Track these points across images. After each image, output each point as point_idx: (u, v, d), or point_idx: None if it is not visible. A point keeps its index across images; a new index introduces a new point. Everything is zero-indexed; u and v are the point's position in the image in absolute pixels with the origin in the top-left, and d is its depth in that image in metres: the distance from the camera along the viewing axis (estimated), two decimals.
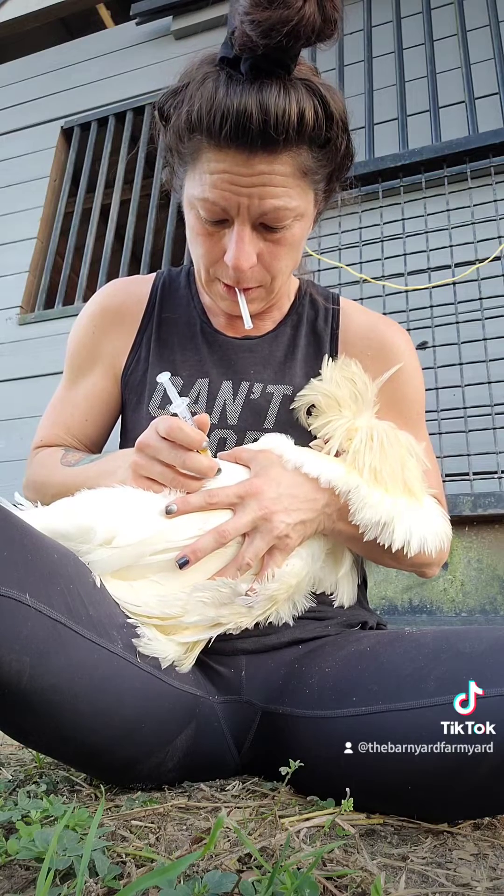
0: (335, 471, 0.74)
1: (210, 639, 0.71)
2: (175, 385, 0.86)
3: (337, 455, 0.78)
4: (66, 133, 3.61)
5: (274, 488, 0.71)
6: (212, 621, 0.69)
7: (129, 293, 0.95)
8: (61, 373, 0.98)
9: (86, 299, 3.25)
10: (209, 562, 0.68)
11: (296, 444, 0.78)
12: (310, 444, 0.80)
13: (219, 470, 0.71)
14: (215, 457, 0.77)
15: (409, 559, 0.77)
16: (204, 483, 0.71)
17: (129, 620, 0.66)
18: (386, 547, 0.73)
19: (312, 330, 0.91)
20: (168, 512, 0.69)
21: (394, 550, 0.73)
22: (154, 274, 0.98)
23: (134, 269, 3.28)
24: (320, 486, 0.73)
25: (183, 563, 0.66)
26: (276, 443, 0.78)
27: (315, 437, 0.81)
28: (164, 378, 0.76)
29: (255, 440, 0.81)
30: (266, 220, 0.74)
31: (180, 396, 0.75)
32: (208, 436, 0.83)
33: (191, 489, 0.70)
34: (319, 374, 0.84)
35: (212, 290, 0.83)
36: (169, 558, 0.67)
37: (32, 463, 0.94)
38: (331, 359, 0.86)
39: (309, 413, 0.84)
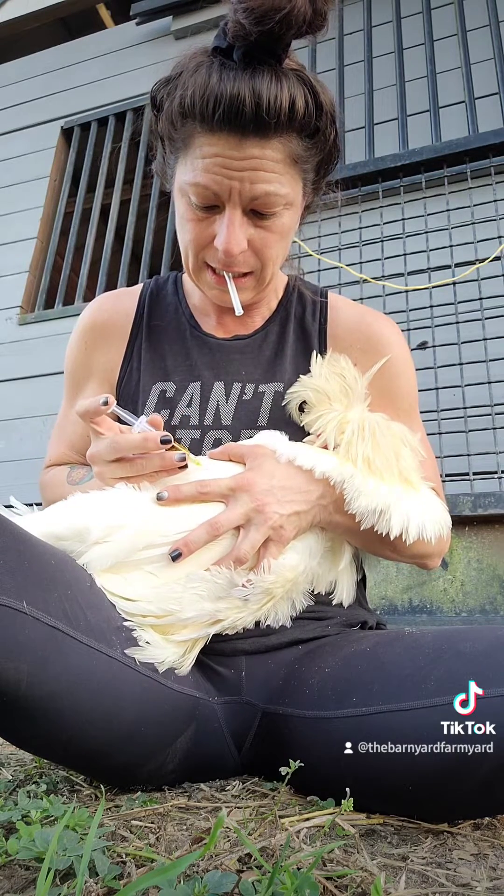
0: (328, 462, 0.74)
1: (208, 639, 0.71)
2: (169, 390, 0.87)
3: (330, 448, 0.78)
4: (66, 133, 3.61)
5: (266, 481, 0.72)
6: (209, 617, 0.68)
7: (115, 306, 0.96)
8: (61, 373, 0.99)
9: (86, 299, 3.25)
10: (203, 554, 0.69)
11: (289, 440, 0.79)
12: (304, 440, 0.80)
13: (184, 463, 0.71)
14: (197, 454, 0.77)
15: (409, 549, 0.77)
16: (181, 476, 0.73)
17: (125, 623, 0.66)
18: (383, 535, 0.73)
19: (301, 325, 0.92)
20: (159, 498, 0.70)
21: (392, 538, 0.72)
22: (142, 284, 0.99)
23: (134, 269, 3.28)
24: (314, 477, 0.73)
25: (176, 556, 0.67)
26: (269, 439, 0.78)
27: (308, 433, 0.82)
28: (114, 406, 0.73)
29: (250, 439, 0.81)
30: (257, 206, 0.74)
31: (147, 413, 0.76)
32: (202, 437, 0.83)
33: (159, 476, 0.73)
34: (309, 370, 0.84)
35: (200, 278, 0.83)
36: (162, 552, 0.68)
37: (43, 484, 0.95)
38: (320, 354, 0.86)
39: (302, 410, 0.84)
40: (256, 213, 0.75)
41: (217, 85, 0.69)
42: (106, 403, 0.70)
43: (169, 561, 0.67)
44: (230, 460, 0.77)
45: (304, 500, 0.73)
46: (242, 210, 0.75)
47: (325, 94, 0.74)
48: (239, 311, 0.81)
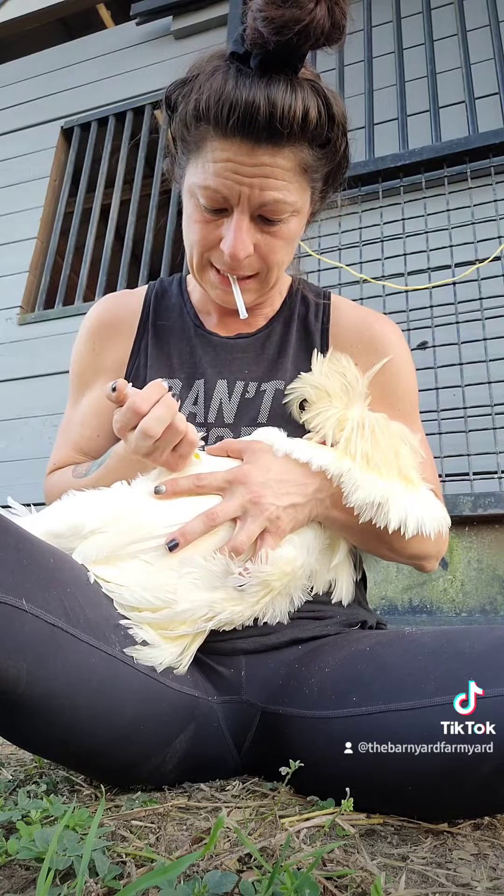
0: (326, 456, 0.75)
1: (205, 635, 0.71)
2: (175, 387, 0.87)
3: (328, 445, 0.79)
4: (66, 133, 3.61)
5: (262, 474, 0.72)
6: (205, 609, 0.68)
7: (122, 305, 0.96)
8: (61, 372, 0.99)
9: (86, 299, 3.25)
10: (199, 545, 0.69)
11: (288, 437, 0.79)
12: (303, 437, 0.81)
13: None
14: (202, 449, 0.77)
15: (407, 548, 0.77)
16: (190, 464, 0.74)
17: (123, 622, 0.66)
18: (381, 528, 0.73)
19: (304, 325, 0.92)
20: (157, 492, 0.71)
21: (390, 531, 0.72)
22: (146, 286, 0.99)
23: (134, 269, 3.28)
24: (311, 471, 0.74)
25: (173, 546, 0.67)
26: (267, 434, 0.78)
27: (308, 431, 0.82)
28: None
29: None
30: (264, 213, 0.75)
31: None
32: (207, 434, 0.84)
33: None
34: (310, 369, 0.85)
35: (204, 277, 0.84)
36: (158, 543, 0.68)
37: (48, 491, 0.94)
38: (321, 353, 0.86)
39: (303, 408, 0.84)
40: (264, 218, 0.76)
41: (233, 91, 0.70)
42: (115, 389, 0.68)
43: (165, 551, 0.68)
44: (228, 456, 0.77)
45: (301, 493, 0.73)
46: (250, 215, 0.76)
47: (337, 106, 0.75)
48: (243, 314, 0.81)
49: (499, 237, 2.21)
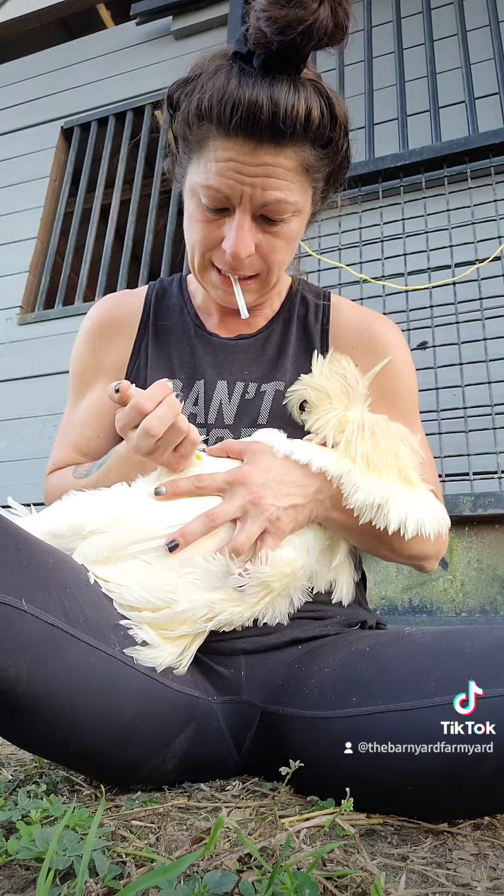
0: (326, 457, 0.75)
1: (205, 635, 0.71)
2: (175, 388, 0.87)
3: (329, 447, 0.79)
4: (66, 133, 3.61)
5: (262, 475, 0.72)
6: (205, 609, 0.68)
7: (122, 305, 0.96)
8: (61, 372, 0.99)
9: (86, 299, 3.25)
10: (199, 546, 0.69)
11: (288, 438, 0.79)
12: (303, 439, 0.81)
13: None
14: (203, 450, 0.78)
15: (407, 548, 0.77)
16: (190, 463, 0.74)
17: (122, 622, 0.66)
18: (381, 529, 0.73)
19: (303, 326, 0.92)
20: (157, 493, 0.71)
21: (390, 532, 0.73)
22: (146, 286, 1.00)
23: (134, 270, 3.28)
24: (311, 472, 0.74)
25: (173, 547, 0.67)
26: (267, 435, 0.79)
27: (308, 432, 0.82)
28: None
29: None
30: (266, 212, 0.76)
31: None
32: (207, 434, 0.84)
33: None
34: (310, 370, 0.85)
35: (205, 278, 0.84)
36: (158, 544, 0.68)
37: (48, 492, 0.94)
38: (321, 354, 0.86)
39: (303, 409, 0.84)
40: (265, 218, 0.76)
41: (236, 90, 0.69)
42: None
43: (166, 552, 0.68)
44: (228, 457, 0.77)
45: (301, 494, 0.73)
46: (252, 215, 0.76)
47: (339, 106, 0.75)
48: (245, 314, 0.81)
49: (499, 237, 2.21)
